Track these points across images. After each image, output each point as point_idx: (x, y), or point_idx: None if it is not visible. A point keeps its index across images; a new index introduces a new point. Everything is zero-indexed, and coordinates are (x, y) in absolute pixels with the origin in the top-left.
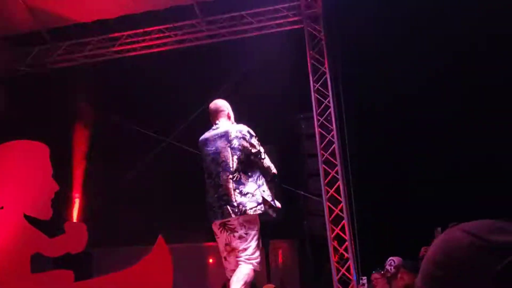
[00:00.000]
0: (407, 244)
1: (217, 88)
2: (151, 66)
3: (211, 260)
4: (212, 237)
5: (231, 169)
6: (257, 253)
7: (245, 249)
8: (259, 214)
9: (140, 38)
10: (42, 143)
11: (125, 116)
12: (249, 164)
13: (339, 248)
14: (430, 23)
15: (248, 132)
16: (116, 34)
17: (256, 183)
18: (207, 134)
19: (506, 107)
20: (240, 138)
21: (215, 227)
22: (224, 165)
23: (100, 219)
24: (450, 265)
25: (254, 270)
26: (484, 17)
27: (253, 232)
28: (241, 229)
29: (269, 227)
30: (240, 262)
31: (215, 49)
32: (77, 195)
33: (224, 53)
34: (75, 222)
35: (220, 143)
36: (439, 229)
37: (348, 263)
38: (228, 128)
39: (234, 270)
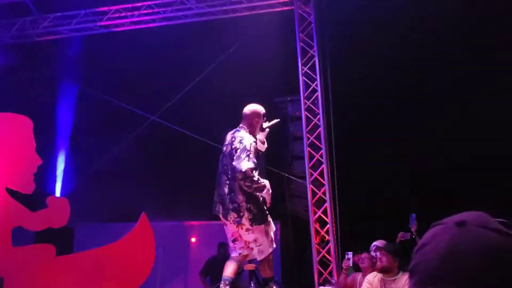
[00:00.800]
0: (387, 229)
1: (205, 67)
2: (140, 42)
3: (193, 239)
4: (193, 216)
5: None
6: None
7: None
8: None
9: (128, 13)
10: (26, 117)
11: (111, 92)
12: None
13: (320, 230)
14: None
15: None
16: (104, 8)
17: None
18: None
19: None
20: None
21: None
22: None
23: (83, 195)
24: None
25: None
26: None
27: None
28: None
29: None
30: None
31: (204, 27)
32: (60, 169)
33: (214, 32)
34: (57, 197)
35: None
36: (414, 215)
37: (328, 245)
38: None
39: None
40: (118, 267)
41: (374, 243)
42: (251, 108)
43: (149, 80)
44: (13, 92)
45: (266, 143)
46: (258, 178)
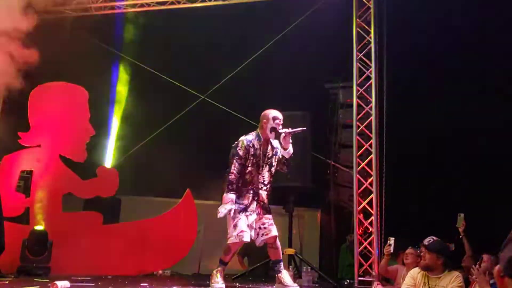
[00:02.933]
0: (434, 227)
1: (257, 49)
2: (194, 23)
3: None
4: None
5: None
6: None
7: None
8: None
9: None
10: (82, 87)
11: (163, 69)
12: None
13: (364, 221)
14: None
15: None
16: None
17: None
18: None
19: None
20: None
21: None
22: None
23: (131, 168)
24: None
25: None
26: None
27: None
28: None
29: (294, 194)
30: None
31: (258, 8)
32: (111, 141)
33: (267, 13)
34: (108, 168)
35: None
36: (462, 215)
37: (371, 238)
38: None
39: None
40: (161, 240)
41: (429, 237)
42: (264, 112)
43: (201, 58)
44: (71, 62)
45: (290, 148)
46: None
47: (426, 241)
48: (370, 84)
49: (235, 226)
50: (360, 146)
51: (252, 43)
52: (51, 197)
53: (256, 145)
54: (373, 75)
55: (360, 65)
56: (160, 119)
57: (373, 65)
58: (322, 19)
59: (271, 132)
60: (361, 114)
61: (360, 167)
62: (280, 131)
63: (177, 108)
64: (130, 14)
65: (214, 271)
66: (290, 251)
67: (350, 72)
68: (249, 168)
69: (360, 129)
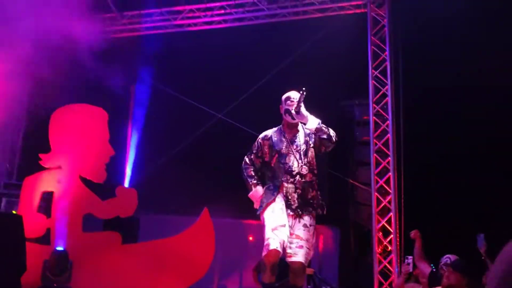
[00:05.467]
0: (454, 244)
1: (272, 68)
2: (209, 42)
3: (250, 238)
4: (253, 215)
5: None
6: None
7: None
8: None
9: (202, 14)
10: (101, 109)
11: (182, 89)
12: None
13: (383, 240)
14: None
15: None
16: (179, 8)
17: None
18: None
19: None
20: None
21: None
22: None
23: (149, 187)
24: None
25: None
26: None
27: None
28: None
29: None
30: None
31: (273, 29)
32: (130, 161)
33: (283, 33)
34: (126, 188)
35: None
36: (482, 235)
37: (390, 256)
38: None
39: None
40: (179, 259)
41: (447, 256)
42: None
43: (217, 79)
44: (91, 84)
45: (311, 121)
46: (247, 174)
47: (449, 260)
48: (386, 102)
49: (264, 231)
50: (377, 164)
51: (268, 63)
52: (71, 217)
53: (275, 136)
54: (389, 93)
55: (375, 83)
56: (177, 138)
57: (389, 82)
58: (338, 38)
59: (285, 114)
60: (378, 131)
61: (378, 184)
62: (292, 110)
63: (195, 127)
64: (150, 36)
65: None
66: (309, 270)
67: (365, 89)
68: (272, 163)
69: (377, 146)
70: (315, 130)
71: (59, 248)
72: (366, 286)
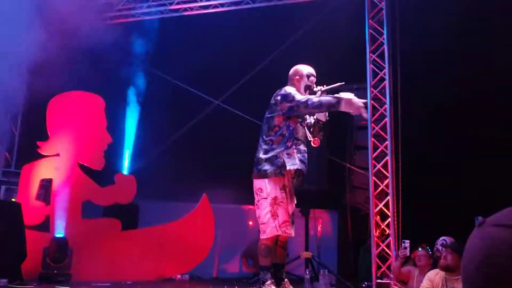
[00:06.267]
0: (451, 229)
1: (269, 54)
2: (206, 27)
3: (250, 223)
4: (252, 200)
5: (263, 132)
6: (269, 220)
7: (258, 217)
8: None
9: None
10: (99, 96)
11: (180, 75)
12: (277, 126)
13: (381, 223)
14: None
15: (282, 94)
16: None
17: (282, 147)
18: None
19: None
20: (272, 102)
21: None
22: (261, 127)
23: (147, 174)
24: (495, 264)
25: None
26: None
27: (263, 200)
28: (255, 195)
29: (310, 196)
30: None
31: (269, 12)
32: (128, 148)
33: (279, 17)
34: (125, 175)
35: None
36: (480, 218)
37: (388, 239)
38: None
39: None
40: (178, 244)
41: (443, 238)
42: (294, 67)
43: (214, 64)
44: (87, 71)
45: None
46: (314, 103)
47: (445, 242)
48: (384, 86)
49: (274, 214)
50: (375, 148)
51: (265, 48)
52: (70, 204)
53: None
54: (387, 77)
55: (373, 67)
56: (176, 125)
57: (386, 66)
58: (335, 21)
59: (305, 91)
60: (376, 115)
61: (376, 169)
62: (315, 89)
63: (193, 113)
64: (146, 21)
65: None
66: (307, 254)
67: (363, 74)
68: (297, 131)
69: (375, 130)
70: (323, 121)
71: (59, 235)
72: (364, 269)
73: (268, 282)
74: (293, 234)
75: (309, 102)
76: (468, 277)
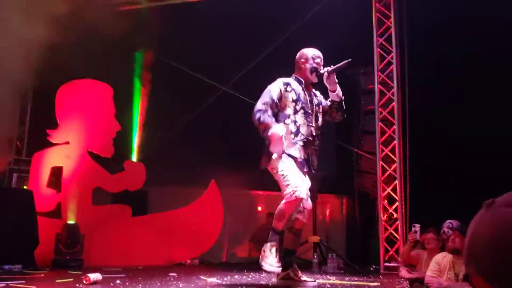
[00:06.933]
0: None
1: (276, 39)
2: (214, 12)
3: (259, 208)
4: (261, 185)
5: None
6: (287, 190)
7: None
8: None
9: None
10: (106, 84)
11: (187, 61)
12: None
13: (388, 207)
14: None
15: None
16: None
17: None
18: None
19: None
20: None
21: None
22: None
23: (157, 160)
24: (508, 243)
25: (289, 202)
26: None
27: (279, 176)
28: (274, 177)
29: (318, 181)
30: None
31: None
32: (137, 135)
33: (286, 1)
34: (134, 161)
35: None
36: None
37: (396, 223)
38: None
39: None
40: (188, 230)
41: (449, 221)
42: (299, 51)
43: (222, 50)
44: (95, 59)
45: (339, 89)
46: (259, 118)
47: (451, 225)
48: (392, 70)
49: (286, 180)
50: (383, 133)
51: (271, 33)
52: (81, 191)
53: (298, 90)
54: (394, 61)
55: (380, 51)
56: (184, 111)
57: (394, 50)
58: (342, 5)
59: (311, 73)
60: (383, 100)
61: (383, 153)
62: (322, 71)
63: (201, 99)
64: (149, 8)
65: (268, 245)
66: (315, 238)
67: (370, 58)
68: (296, 117)
69: (382, 115)
70: (337, 101)
71: (71, 222)
72: (373, 253)
73: (273, 243)
74: (305, 198)
75: (256, 116)
76: (475, 257)
